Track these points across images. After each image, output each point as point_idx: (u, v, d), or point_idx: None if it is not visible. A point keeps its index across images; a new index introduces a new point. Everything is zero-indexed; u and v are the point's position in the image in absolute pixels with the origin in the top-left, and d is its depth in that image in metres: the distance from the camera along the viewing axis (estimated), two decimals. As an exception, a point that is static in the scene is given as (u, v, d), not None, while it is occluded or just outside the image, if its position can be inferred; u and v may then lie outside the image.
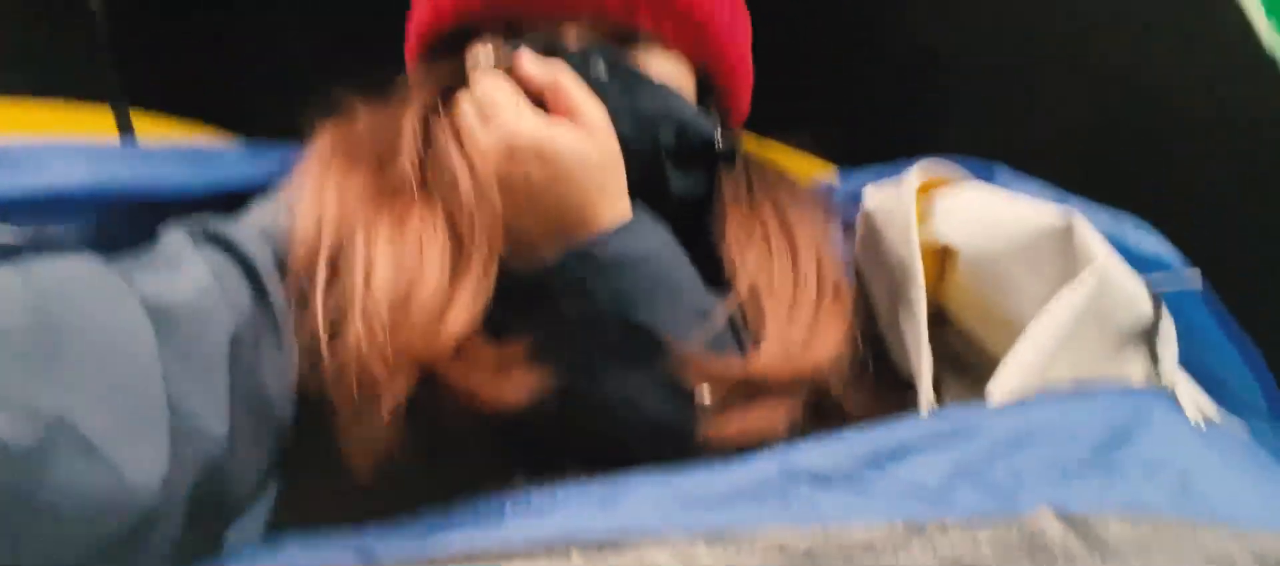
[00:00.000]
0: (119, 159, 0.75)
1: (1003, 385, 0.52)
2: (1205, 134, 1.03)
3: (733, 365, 0.52)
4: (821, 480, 0.43)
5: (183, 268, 0.48)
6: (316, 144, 0.59)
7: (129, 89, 0.89)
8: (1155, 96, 1.04)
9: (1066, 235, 0.56)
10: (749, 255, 0.58)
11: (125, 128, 0.88)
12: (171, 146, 0.79)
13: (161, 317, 0.43)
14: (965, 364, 0.65)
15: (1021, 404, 0.49)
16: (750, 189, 0.63)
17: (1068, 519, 0.43)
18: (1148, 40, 1.00)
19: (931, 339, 0.58)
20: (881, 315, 0.63)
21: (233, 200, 0.79)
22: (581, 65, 0.57)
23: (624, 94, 0.58)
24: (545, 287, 0.52)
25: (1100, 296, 0.54)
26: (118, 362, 0.40)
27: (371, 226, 0.52)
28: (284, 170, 0.77)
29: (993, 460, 0.46)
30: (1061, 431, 0.48)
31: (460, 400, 0.50)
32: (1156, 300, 0.57)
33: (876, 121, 1.05)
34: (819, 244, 0.60)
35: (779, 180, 0.66)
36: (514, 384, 0.50)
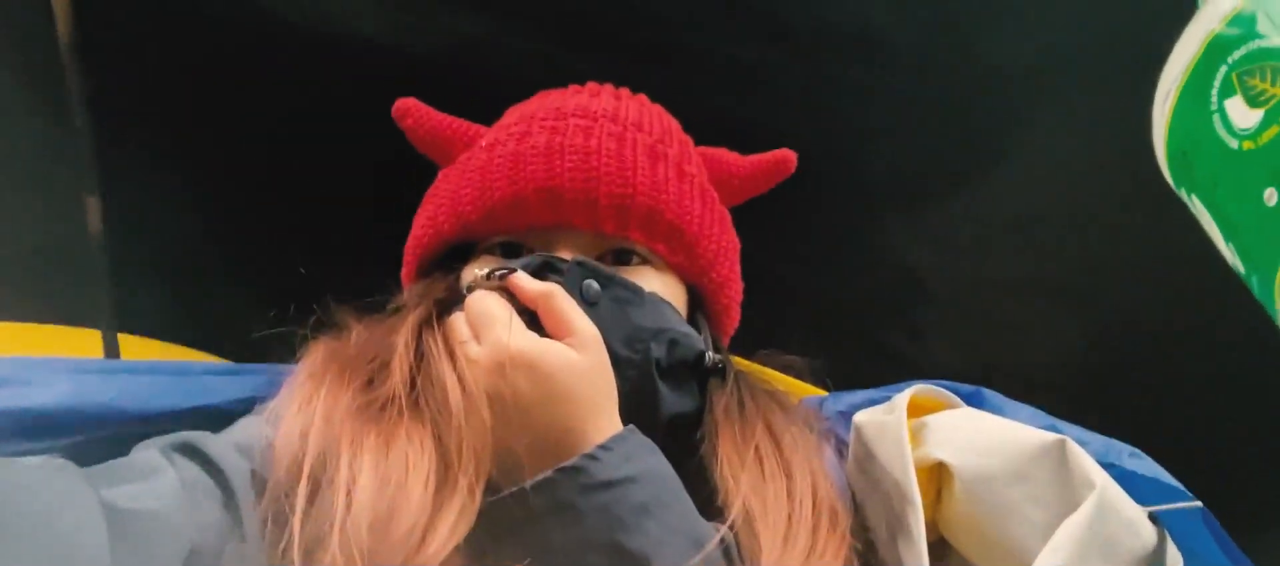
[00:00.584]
0: (102, 376, 0.74)
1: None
2: (1194, 361, 1.04)
3: None
4: None
5: (150, 478, 0.48)
6: (308, 358, 0.59)
7: (122, 313, 0.90)
8: (1142, 324, 1.06)
9: (1061, 460, 0.56)
10: (743, 478, 0.56)
11: (112, 352, 0.88)
12: (155, 364, 0.79)
13: (118, 520, 0.43)
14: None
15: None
16: (742, 406, 0.62)
17: None
18: (1136, 270, 1.02)
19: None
20: (880, 542, 0.62)
21: (217, 418, 0.78)
22: (575, 282, 0.58)
23: (616, 309, 0.58)
24: (532, 510, 0.50)
25: (1102, 523, 0.53)
26: (65, 559, 0.39)
27: (357, 443, 0.51)
28: (270, 389, 0.77)
29: None
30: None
31: None
32: (1158, 525, 0.56)
33: (860, 342, 1.07)
34: (813, 466, 0.59)
35: (770, 397, 0.65)
36: None
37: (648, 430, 0.56)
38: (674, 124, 0.73)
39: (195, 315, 0.89)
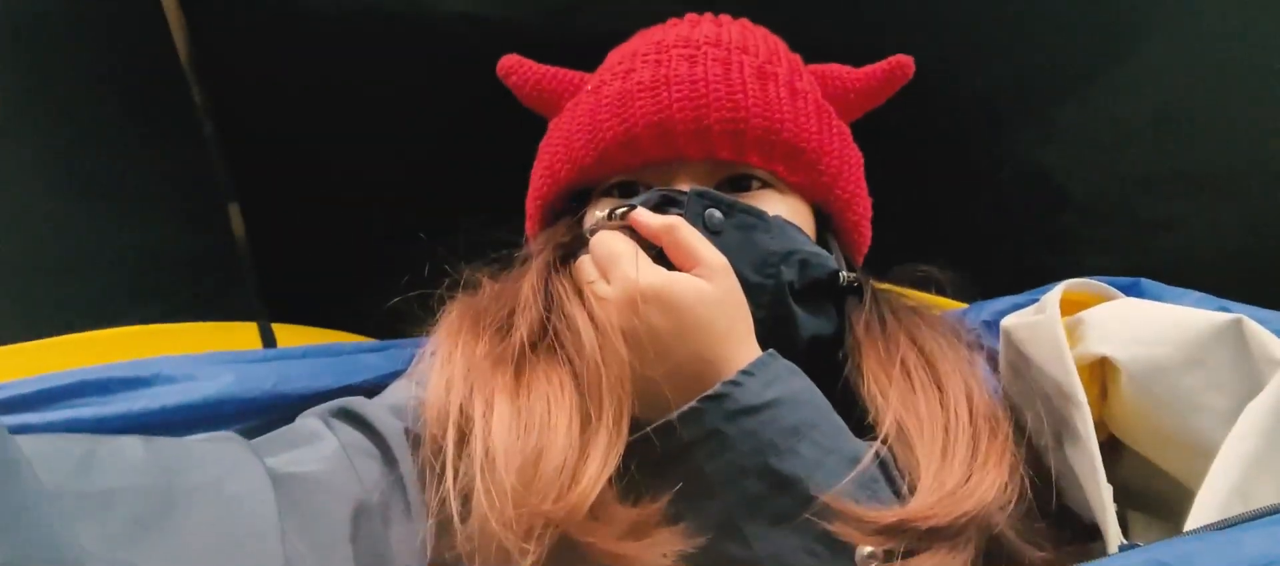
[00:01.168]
0: (262, 364, 0.79)
1: (1202, 516, 0.46)
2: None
3: (889, 512, 0.48)
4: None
5: (313, 442, 0.51)
6: (445, 318, 0.61)
7: (272, 305, 0.95)
8: None
9: (1239, 340, 0.51)
10: (891, 392, 0.56)
11: (269, 341, 0.93)
12: (309, 348, 0.83)
13: (285, 485, 0.45)
14: (1147, 497, 0.59)
15: (1230, 531, 0.43)
16: (883, 323, 0.61)
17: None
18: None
19: (1106, 470, 0.53)
20: (1044, 450, 0.59)
21: (371, 394, 0.82)
22: (696, 212, 0.58)
23: (742, 235, 0.58)
24: (680, 441, 0.50)
25: (1294, 404, 0.49)
26: (235, 523, 0.42)
27: (496, 390, 0.53)
28: (416, 360, 0.80)
29: (1205, 602, 0.40)
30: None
31: (600, 564, 0.48)
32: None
33: (998, 257, 1.02)
34: (965, 375, 0.58)
35: (912, 312, 0.64)
36: (653, 546, 0.48)
37: (788, 355, 0.55)
38: (780, 43, 0.72)
39: (341, 298, 0.93)
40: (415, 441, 0.54)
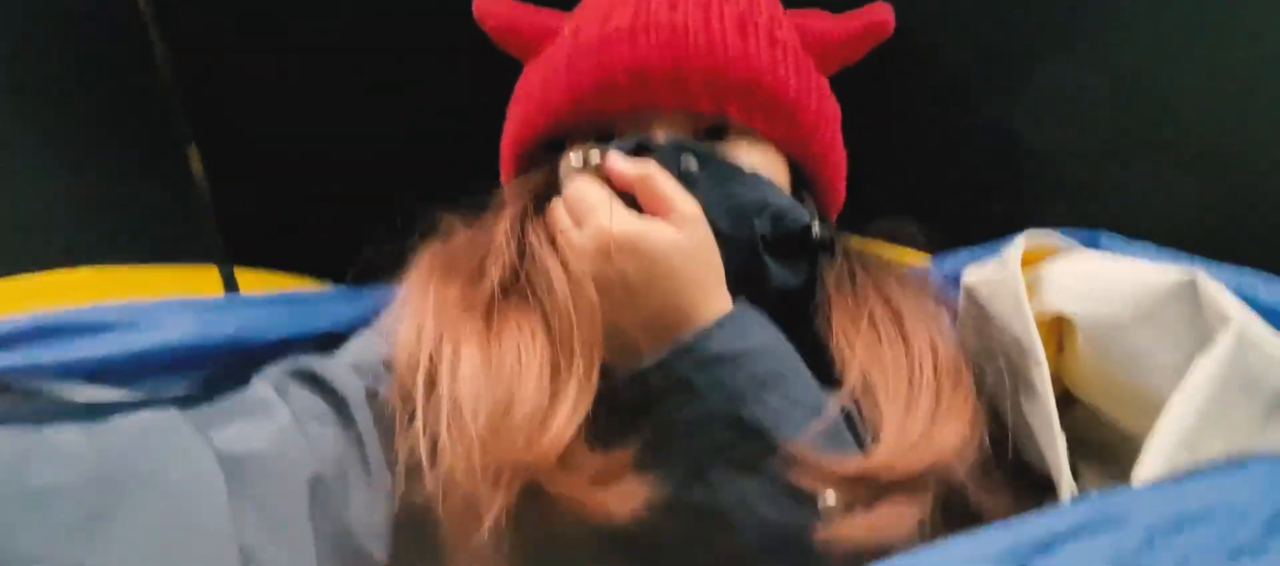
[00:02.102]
0: (224, 311, 0.78)
1: (1149, 468, 0.47)
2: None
3: (852, 462, 0.49)
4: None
5: (263, 414, 0.50)
6: (416, 264, 0.60)
7: (233, 247, 0.93)
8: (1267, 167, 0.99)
9: (1192, 295, 0.53)
10: (858, 345, 0.56)
11: (231, 285, 0.92)
12: (273, 295, 0.82)
13: (234, 467, 0.44)
14: (1099, 448, 0.60)
15: (1175, 483, 0.45)
16: (853, 277, 0.61)
17: (1248, 606, 0.39)
18: (1253, 107, 0.96)
19: (1061, 422, 0.54)
20: (999, 402, 0.60)
21: (336, 343, 0.82)
22: (672, 160, 0.57)
23: (717, 186, 0.57)
24: (650, 389, 0.51)
25: (1241, 359, 0.50)
26: (185, 514, 0.41)
27: (465, 337, 0.53)
28: (382, 308, 0.80)
29: (1152, 547, 0.42)
30: (1224, 510, 0.43)
31: (568, 512, 0.49)
32: (1305, 358, 0.53)
33: (964, 219, 1.03)
34: (931, 329, 0.58)
35: (882, 267, 0.64)
36: (621, 493, 0.49)
37: (758, 306, 0.55)
38: None
39: (306, 242, 0.92)
40: (377, 402, 0.54)
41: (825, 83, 0.70)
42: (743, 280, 0.56)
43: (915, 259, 0.83)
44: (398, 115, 0.94)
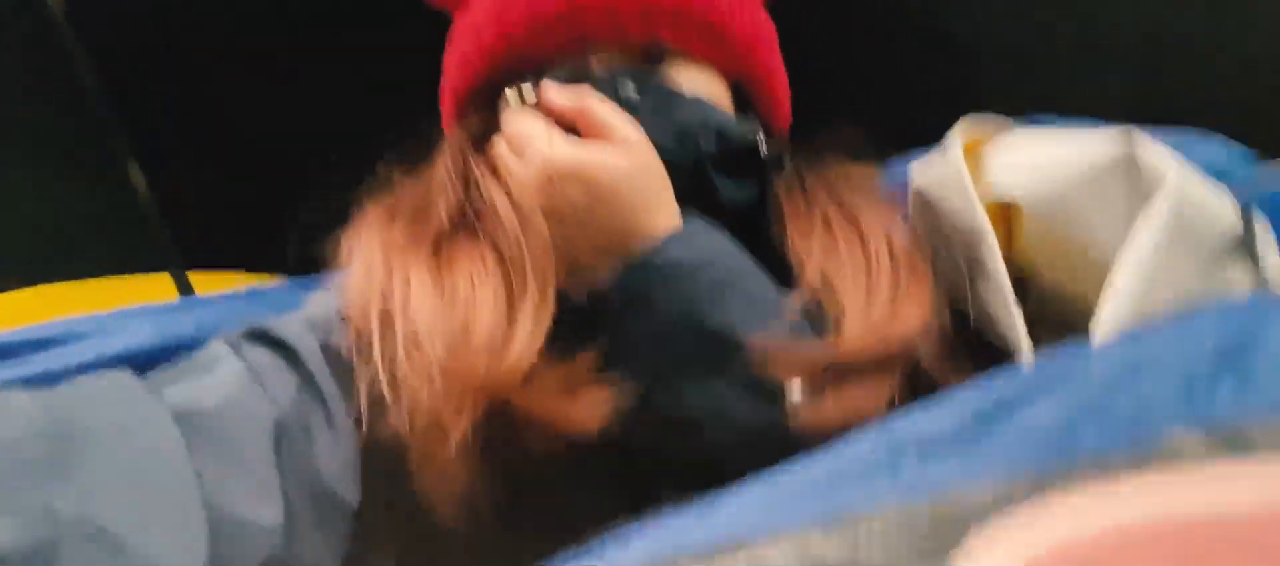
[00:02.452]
0: (181, 314, 0.77)
1: (1104, 329, 0.48)
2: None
3: (817, 350, 0.50)
4: (931, 447, 0.40)
5: (215, 371, 0.49)
6: (361, 216, 0.60)
7: (186, 252, 0.92)
8: (1197, 67, 1.01)
9: (1130, 161, 0.54)
10: (814, 245, 0.57)
11: (185, 290, 0.91)
12: (230, 293, 0.82)
13: (190, 421, 0.43)
14: (1058, 322, 0.61)
15: (1129, 334, 0.45)
16: (804, 185, 0.62)
17: (1208, 433, 0.39)
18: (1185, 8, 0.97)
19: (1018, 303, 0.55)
20: (959, 293, 0.61)
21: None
22: (610, 88, 0.58)
23: (658, 109, 0.57)
24: (609, 307, 0.52)
25: (1181, 214, 0.51)
26: (143, 465, 0.40)
27: (417, 269, 0.53)
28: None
29: (1111, 394, 0.42)
30: (1178, 351, 0.44)
31: (536, 428, 0.49)
32: (1244, 206, 0.54)
33: (905, 114, 1.03)
34: (884, 223, 0.59)
35: (831, 173, 0.64)
36: (588, 403, 0.49)
37: (711, 222, 0.56)
38: None
39: (257, 241, 0.91)
40: (333, 355, 0.54)
41: (759, 3, 0.70)
42: (692, 199, 0.56)
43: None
44: (341, 100, 0.94)
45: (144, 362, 0.75)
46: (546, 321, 0.51)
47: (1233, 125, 0.99)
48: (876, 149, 0.76)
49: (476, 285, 0.52)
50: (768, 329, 0.50)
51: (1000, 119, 0.61)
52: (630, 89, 0.58)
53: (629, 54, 0.61)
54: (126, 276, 0.87)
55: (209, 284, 0.89)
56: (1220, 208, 0.53)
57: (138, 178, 0.96)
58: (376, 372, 0.50)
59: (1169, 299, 0.50)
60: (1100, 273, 0.54)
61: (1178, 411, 0.40)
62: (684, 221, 0.54)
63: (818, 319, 0.53)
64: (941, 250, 0.62)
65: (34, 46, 0.88)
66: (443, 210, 0.56)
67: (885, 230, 0.58)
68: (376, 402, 0.50)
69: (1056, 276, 0.59)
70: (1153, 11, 1.01)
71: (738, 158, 0.60)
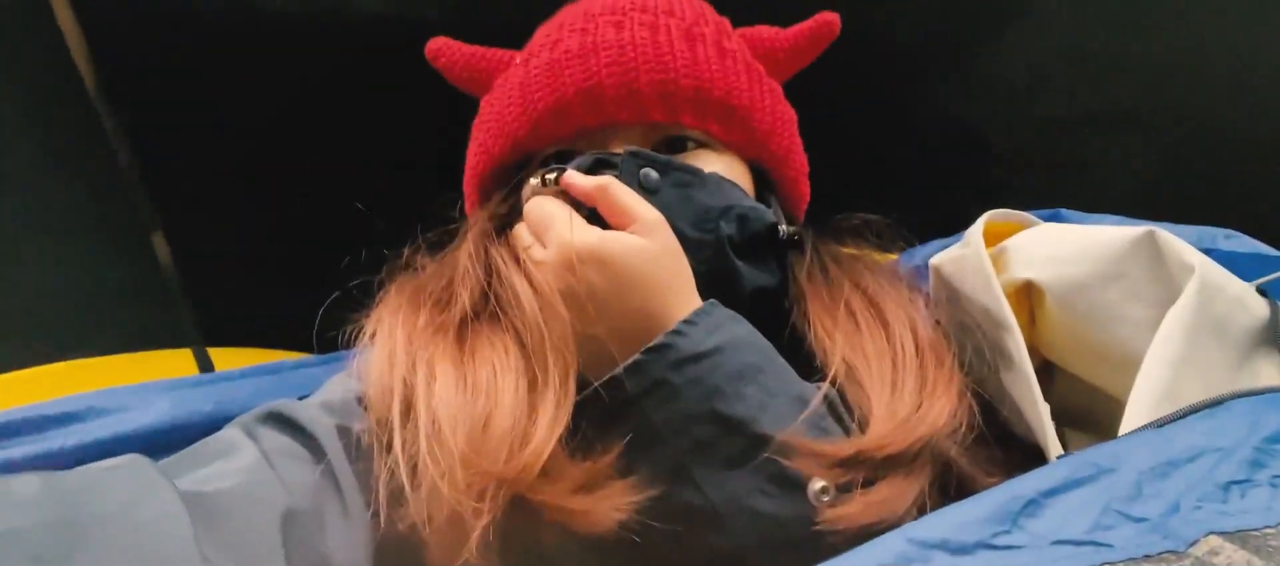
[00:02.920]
0: (200, 389, 0.77)
1: (1133, 422, 0.48)
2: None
3: (846, 445, 0.49)
4: (958, 550, 0.39)
5: (230, 456, 0.49)
6: (384, 298, 0.60)
7: (207, 328, 0.93)
8: (1219, 138, 1.02)
9: (1154, 251, 0.53)
10: (837, 334, 0.56)
11: (206, 366, 0.91)
12: (250, 368, 0.82)
13: (199, 506, 0.42)
14: (1084, 416, 0.61)
15: (1158, 429, 0.45)
16: (825, 271, 0.62)
17: (1240, 540, 0.39)
18: (1207, 84, 0.98)
19: (1043, 395, 0.54)
20: (981, 380, 0.60)
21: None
22: (631, 172, 0.58)
23: (679, 193, 0.58)
24: (627, 393, 0.50)
25: (1208, 305, 0.51)
26: (149, 551, 0.39)
27: (441, 358, 0.53)
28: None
29: (1141, 494, 0.42)
30: (1209, 449, 0.43)
31: (554, 523, 0.48)
32: (1268, 296, 0.53)
33: (924, 207, 1.04)
34: (908, 311, 0.58)
35: (853, 260, 0.64)
36: (606, 501, 0.48)
37: (732, 308, 0.55)
38: (707, 6, 0.71)
39: (279, 316, 0.92)
40: (348, 437, 0.53)
41: (778, 88, 0.71)
42: (714, 283, 0.56)
43: (883, 257, 0.83)
44: (362, 180, 0.95)
45: (162, 439, 0.75)
46: (567, 411, 0.50)
47: (1256, 205, 1.00)
48: (897, 236, 0.76)
49: (498, 373, 0.51)
50: (790, 420, 0.49)
51: (1024, 214, 0.61)
52: (652, 173, 0.58)
53: (651, 137, 0.62)
54: (148, 352, 0.87)
55: (230, 360, 0.89)
56: (1247, 298, 0.53)
57: (162, 250, 0.97)
58: (397, 462, 0.49)
59: (1197, 391, 0.49)
60: (1124, 362, 0.53)
61: (1210, 518, 0.39)
62: (704, 306, 0.54)
63: (841, 411, 0.52)
64: (961, 334, 0.61)
65: (63, 118, 0.90)
66: (465, 297, 0.56)
67: (909, 319, 0.58)
68: (395, 493, 0.49)
69: (1079, 365, 0.58)
70: (1168, 77, 1.02)
71: (759, 241, 0.60)
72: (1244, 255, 0.58)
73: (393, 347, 0.54)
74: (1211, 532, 0.39)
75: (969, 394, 0.54)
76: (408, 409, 0.51)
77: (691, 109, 0.61)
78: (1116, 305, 0.54)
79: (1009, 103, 1.01)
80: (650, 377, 0.50)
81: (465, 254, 0.58)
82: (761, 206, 0.62)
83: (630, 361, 0.51)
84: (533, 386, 0.51)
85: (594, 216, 0.56)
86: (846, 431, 0.51)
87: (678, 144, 0.63)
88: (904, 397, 0.51)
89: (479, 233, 0.60)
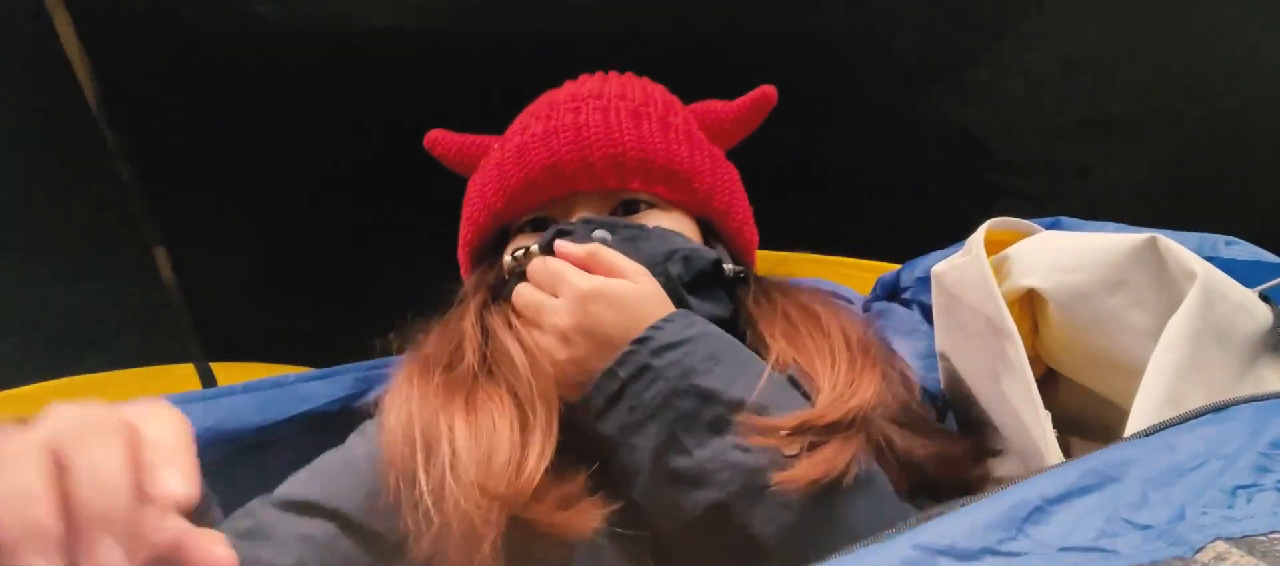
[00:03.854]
0: (204, 403, 0.77)
1: (1138, 425, 0.48)
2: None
3: (795, 415, 0.57)
4: (964, 556, 0.39)
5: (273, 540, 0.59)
6: (396, 372, 0.69)
7: (209, 343, 0.93)
8: (1216, 141, 1.02)
9: (1156, 258, 0.53)
10: (782, 339, 0.66)
11: (208, 381, 0.91)
12: (251, 383, 0.82)
13: None
14: (1086, 421, 0.61)
15: (1163, 434, 0.45)
16: (769, 298, 0.72)
17: (1247, 545, 0.39)
18: (1201, 87, 0.99)
19: (1045, 402, 0.54)
20: (979, 392, 0.60)
21: (318, 420, 0.81)
22: (585, 236, 0.69)
23: (628, 246, 0.68)
24: (619, 380, 0.60)
25: (1211, 311, 0.51)
26: None
27: (451, 410, 0.63)
28: (360, 385, 0.81)
29: (1147, 501, 0.42)
30: (1214, 455, 0.43)
31: (545, 535, 0.58)
32: (1270, 302, 0.53)
33: (926, 216, 1.04)
34: (841, 320, 0.68)
35: (796, 287, 0.74)
36: (582, 513, 0.58)
37: None
38: (657, 89, 0.82)
39: (280, 330, 0.92)
40: (372, 496, 0.62)
41: (719, 153, 0.82)
42: None
43: (886, 268, 0.84)
44: (364, 194, 0.95)
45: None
46: (552, 444, 0.60)
47: (1255, 210, 1.00)
48: (897, 245, 0.77)
49: (497, 419, 0.61)
50: (758, 391, 0.58)
51: (1024, 222, 0.62)
52: (604, 235, 0.68)
53: (609, 201, 0.73)
54: (150, 367, 0.87)
55: (232, 375, 0.90)
56: (1252, 305, 0.53)
57: (165, 266, 0.97)
58: (421, 496, 0.58)
59: (1201, 397, 0.49)
60: (1127, 369, 0.53)
61: (1215, 524, 0.39)
62: (678, 312, 0.63)
63: (798, 384, 0.62)
64: (960, 342, 0.61)
65: (65, 136, 0.90)
66: (471, 358, 0.66)
67: (841, 324, 0.67)
68: (418, 527, 0.58)
69: (1082, 372, 0.58)
70: (1163, 83, 1.02)
71: (706, 278, 0.69)
72: (1244, 262, 0.58)
73: (411, 409, 0.64)
74: (1218, 538, 0.39)
75: (897, 380, 0.63)
76: (429, 453, 0.60)
77: (638, 176, 0.72)
78: (1119, 312, 0.54)
79: (1006, 111, 1.01)
80: (636, 363, 0.60)
81: (469, 322, 0.69)
82: (704, 248, 0.71)
83: (621, 352, 0.60)
84: (525, 427, 0.61)
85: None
86: (805, 396, 0.60)
87: (632, 205, 0.74)
88: (839, 379, 0.61)
89: (478, 302, 0.70)
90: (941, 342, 0.66)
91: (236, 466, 0.80)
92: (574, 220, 0.70)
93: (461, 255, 0.80)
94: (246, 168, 0.94)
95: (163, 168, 0.93)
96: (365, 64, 0.88)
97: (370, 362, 0.90)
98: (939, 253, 0.74)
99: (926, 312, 0.74)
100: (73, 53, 0.84)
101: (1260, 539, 0.39)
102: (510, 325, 0.66)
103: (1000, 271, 0.58)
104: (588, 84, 0.80)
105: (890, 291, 0.83)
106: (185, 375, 0.88)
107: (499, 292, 0.71)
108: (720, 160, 0.79)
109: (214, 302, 0.95)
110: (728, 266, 0.71)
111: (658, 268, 0.67)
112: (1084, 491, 0.41)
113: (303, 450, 0.72)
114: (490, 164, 0.76)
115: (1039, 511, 0.40)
